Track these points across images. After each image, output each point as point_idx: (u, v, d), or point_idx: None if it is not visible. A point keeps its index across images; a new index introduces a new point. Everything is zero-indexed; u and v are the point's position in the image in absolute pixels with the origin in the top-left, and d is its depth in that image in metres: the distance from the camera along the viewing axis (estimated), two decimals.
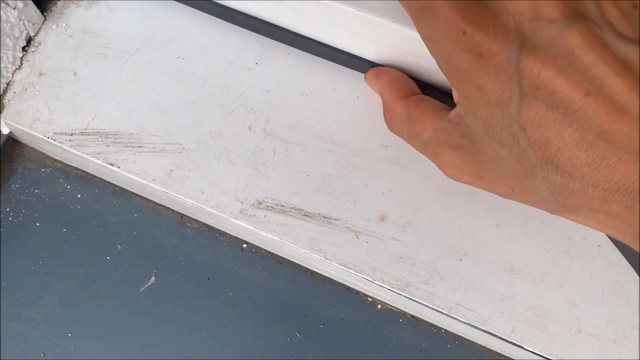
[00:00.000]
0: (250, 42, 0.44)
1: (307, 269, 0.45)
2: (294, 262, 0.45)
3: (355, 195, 0.41)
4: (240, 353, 0.43)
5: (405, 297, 0.39)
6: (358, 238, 0.40)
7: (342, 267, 0.39)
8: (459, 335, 0.44)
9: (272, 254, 0.46)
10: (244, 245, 0.46)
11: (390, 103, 0.38)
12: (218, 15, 0.45)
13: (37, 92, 0.43)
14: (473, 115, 0.29)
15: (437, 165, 0.35)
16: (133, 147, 0.42)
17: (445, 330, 0.44)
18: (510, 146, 0.28)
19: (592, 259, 0.39)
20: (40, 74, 0.43)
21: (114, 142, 0.42)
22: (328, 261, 0.40)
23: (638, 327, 0.38)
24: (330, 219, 0.40)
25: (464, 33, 0.27)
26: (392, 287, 0.39)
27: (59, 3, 0.45)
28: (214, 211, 0.41)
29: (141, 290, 0.45)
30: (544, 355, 0.37)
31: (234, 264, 0.45)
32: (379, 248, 0.40)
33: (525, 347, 0.38)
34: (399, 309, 0.44)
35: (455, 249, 0.40)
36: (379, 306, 0.44)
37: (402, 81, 0.39)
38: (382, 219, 0.40)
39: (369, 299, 0.44)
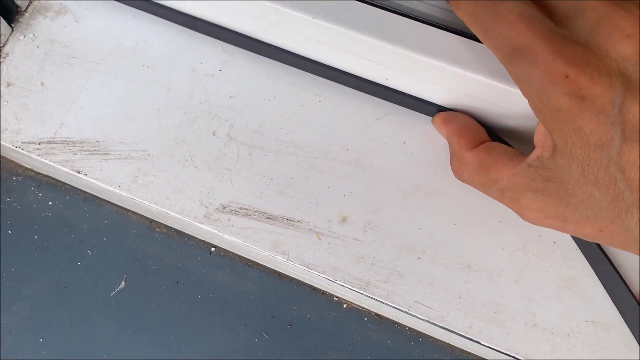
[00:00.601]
0: (214, 49, 0.45)
1: (274, 271, 0.46)
2: (261, 265, 0.46)
3: (317, 198, 0.42)
4: (209, 354, 0.44)
5: (366, 295, 0.40)
6: (320, 239, 0.41)
7: (305, 268, 0.40)
8: (422, 333, 0.44)
9: (239, 256, 0.46)
10: (212, 249, 0.47)
11: (459, 152, 0.38)
12: (182, 23, 0.46)
13: (5, 102, 0.44)
14: (568, 156, 0.29)
15: (517, 211, 0.35)
16: (99, 154, 0.43)
17: (409, 328, 0.45)
18: (606, 187, 0.28)
19: (548, 255, 0.40)
20: (8, 85, 0.44)
21: (80, 150, 0.43)
22: (291, 262, 0.41)
23: (591, 320, 0.39)
24: (293, 221, 0.41)
25: (566, 77, 0.27)
26: (353, 287, 0.40)
27: (26, 14, 0.46)
28: (179, 216, 0.42)
29: (111, 294, 0.46)
30: (500, 350, 0.38)
31: (202, 267, 0.46)
32: (340, 248, 0.41)
33: (482, 342, 0.39)
34: (364, 308, 0.45)
35: (414, 247, 0.41)
36: (345, 305, 0.45)
37: (472, 129, 0.38)
38: (344, 220, 0.41)
39: (335, 298, 0.45)
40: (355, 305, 0.45)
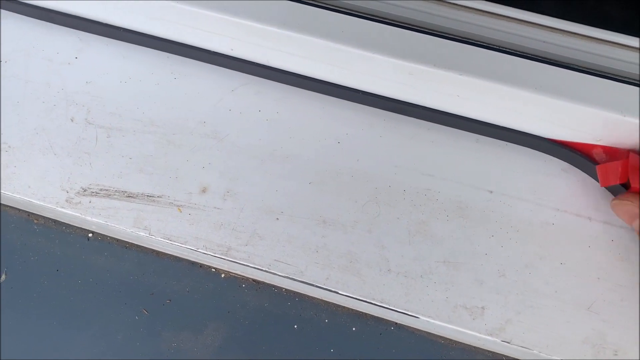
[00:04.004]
0: (69, 38, 0.46)
1: (152, 250, 0.47)
2: (139, 245, 0.47)
3: (176, 172, 0.43)
4: (92, 336, 0.45)
5: (227, 260, 0.41)
6: (181, 212, 0.42)
7: (167, 241, 0.41)
8: (299, 292, 0.46)
9: (117, 240, 0.47)
10: (90, 235, 0.47)
11: None
12: (37, 16, 0.46)
13: None
14: None
15: None
16: None
17: (286, 289, 0.46)
18: None
19: (398, 203, 0.42)
20: None
21: None
22: (153, 237, 0.41)
23: (443, 261, 0.41)
24: (153, 196, 0.42)
25: None
26: (215, 253, 0.41)
27: None
28: (42, 203, 0.42)
29: None
30: (358, 297, 0.40)
31: (81, 253, 0.47)
32: (201, 218, 0.42)
33: (340, 292, 0.40)
34: (241, 276, 0.46)
35: (272, 209, 0.42)
36: (223, 275, 0.46)
37: None
38: (204, 190, 0.42)
39: (213, 270, 0.46)
40: (233, 274, 0.46)
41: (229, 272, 0.47)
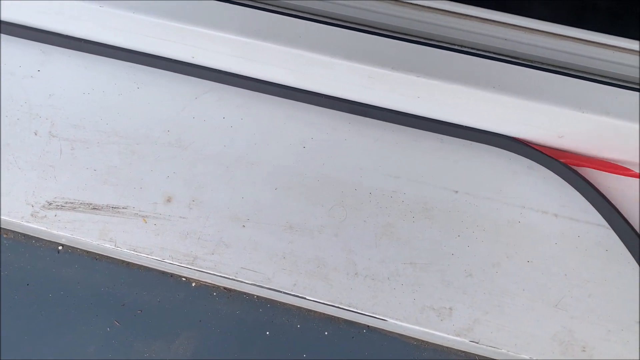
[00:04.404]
0: (31, 51, 0.46)
1: (122, 261, 0.47)
2: (109, 257, 0.47)
3: (141, 182, 0.43)
4: (63, 349, 0.45)
5: (194, 269, 0.41)
6: (146, 222, 0.42)
7: (133, 252, 0.41)
8: (270, 299, 0.46)
9: (87, 251, 0.47)
10: (60, 248, 0.47)
11: None
12: None
13: None
14: None
15: None
16: None
17: (257, 296, 0.46)
18: None
19: (364, 206, 0.42)
20: None
21: None
22: (119, 248, 0.41)
23: (409, 262, 0.40)
24: (118, 208, 0.42)
25: None
26: (181, 263, 0.41)
27: None
28: (7, 218, 0.42)
29: None
30: (325, 302, 0.40)
31: (51, 266, 0.46)
32: (166, 228, 0.42)
33: (307, 297, 0.40)
34: (212, 284, 0.46)
35: (238, 217, 0.42)
36: (194, 284, 0.46)
37: None
38: (169, 200, 0.42)
39: (183, 279, 0.46)
40: (203, 283, 0.46)
41: (199, 280, 0.47)
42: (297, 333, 0.45)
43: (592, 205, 0.40)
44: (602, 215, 0.40)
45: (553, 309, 0.39)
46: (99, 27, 0.43)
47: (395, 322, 0.39)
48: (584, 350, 0.38)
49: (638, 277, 0.40)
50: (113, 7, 0.40)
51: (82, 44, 0.44)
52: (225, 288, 0.46)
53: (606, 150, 0.39)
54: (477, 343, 0.39)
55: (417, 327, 0.39)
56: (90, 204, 0.42)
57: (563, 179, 0.41)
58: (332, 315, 0.45)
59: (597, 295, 0.39)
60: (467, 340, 0.39)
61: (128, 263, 0.47)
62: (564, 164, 0.40)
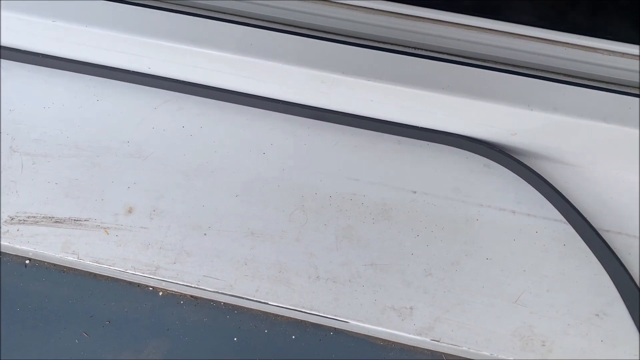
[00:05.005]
0: None
1: (89, 273, 0.47)
2: (77, 269, 0.47)
3: (102, 194, 0.43)
4: None
5: (157, 279, 0.41)
6: (108, 234, 0.42)
7: (96, 264, 0.41)
8: (238, 305, 0.46)
9: (54, 265, 0.47)
10: (27, 262, 0.47)
11: None
12: None
13: None
14: None
15: None
16: None
17: (225, 303, 0.46)
18: None
19: (324, 209, 0.42)
20: None
21: None
22: (82, 260, 0.41)
23: (370, 264, 0.41)
24: (80, 220, 0.42)
25: None
26: (144, 273, 0.41)
27: None
28: None
29: None
30: (287, 307, 0.40)
31: (18, 280, 0.47)
32: (128, 239, 0.42)
33: (270, 302, 0.40)
34: (179, 293, 0.46)
35: (199, 225, 0.42)
36: (161, 293, 0.46)
37: None
38: (130, 211, 0.42)
39: (150, 288, 0.47)
40: (170, 292, 0.46)
41: (166, 290, 0.47)
42: (265, 338, 0.45)
43: (549, 200, 0.41)
44: (558, 210, 0.41)
45: (513, 305, 0.39)
46: (55, 42, 0.43)
47: (357, 323, 0.40)
48: (543, 345, 0.39)
49: (595, 271, 0.40)
50: (66, 22, 0.40)
51: (41, 58, 0.44)
52: (192, 296, 0.47)
53: (557, 146, 0.40)
54: (439, 341, 0.39)
55: (379, 328, 0.39)
56: (52, 217, 0.42)
57: (519, 175, 0.41)
58: (299, 320, 0.45)
59: (555, 290, 0.40)
60: (428, 339, 0.39)
61: (95, 275, 0.47)
62: (518, 161, 0.41)
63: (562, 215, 0.41)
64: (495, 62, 0.40)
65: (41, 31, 0.42)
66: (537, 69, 0.40)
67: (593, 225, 0.40)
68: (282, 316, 0.45)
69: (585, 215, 0.40)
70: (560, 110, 0.37)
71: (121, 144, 0.44)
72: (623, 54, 0.42)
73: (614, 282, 0.39)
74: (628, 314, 0.39)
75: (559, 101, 0.37)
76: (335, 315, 0.40)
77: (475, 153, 0.42)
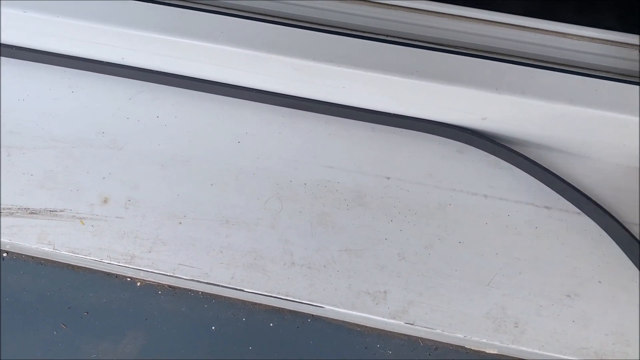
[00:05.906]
0: None
1: (68, 264, 0.47)
2: (54, 261, 0.47)
3: (77, 185, 0.43)
4: (10, 355, 0.45)
5: (133, 268, 0.41)
6: (84, 224, 0.42)
7: (72, 254, 0.41)
8: (216, 294, 0.46)
9: (32, 257, 0.47)
10: (5, 255, 0.47)
11: None
12: None
13: None
14: None
15: None
16: None
17: (202, 292, 0.46)
18: None
19: (299, 197, 0.42)
20: None
21: None
22: (57, 251, 0.42)
23: (344, 249, 0.41)
24: (55, 211, 0.42)
25: None
26: (119, 262, 0.41)
27: None
28: None
29: None
30: (263, 293, 0.40)
31: None
32: (104, 229, 0.42)
33: (245, 289, 0.41)
34: (157, 282, 0.47)
35: (174, 214, 0.42)
36: (139, 284, 0.46)
37: None
38: (105, 201, 0.43)
39: (128, 279, 0.47)
40: (148, 282, 0.47)
41: (144, 280, 0.47)
42: (243, 326, 0.45)
43: (522, 184, 0.41)
44: (530, 193, 0.41)
45: (485, 287, 0.40)
46: (28, 33, 0.43)
47: (332, 308, 0.40)
48: (516, 326, 0.39)
49: (566, 253, 0.41)
50: (37, 12, 0.40)
51: (14, 50, 0.45)
52: (169, 286, 0.47)
53: (525, 130, 0.40)
54: (412, 325, 0.39)
55: (354, 312, 0.40)
56: (28, 208, 0.42)
57: (494, 155, 0.42)
58: (276, 307, 0.45)
59: (527, 272, 0.40)
60: (402, 323, 0.39)
61: (73, 267, 0.47)
62: (492, 140, 0.41)
63: (534, 198, 0.41)
64: (464, 48, 0.41)
65: (13, 23, 0.42)
66: (505, 54, 0.40)
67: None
68: (260, 304, 0.46)
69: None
70: (527, 94, 0.38)
71: (96, 135, 0.44)
72: (592, 39, 0.42)
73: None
74: (599, 295, 0.40)
75: (526, 84, 0.38)
76: (310, 301, 0.40)
77: (449, 138, 0.43)
